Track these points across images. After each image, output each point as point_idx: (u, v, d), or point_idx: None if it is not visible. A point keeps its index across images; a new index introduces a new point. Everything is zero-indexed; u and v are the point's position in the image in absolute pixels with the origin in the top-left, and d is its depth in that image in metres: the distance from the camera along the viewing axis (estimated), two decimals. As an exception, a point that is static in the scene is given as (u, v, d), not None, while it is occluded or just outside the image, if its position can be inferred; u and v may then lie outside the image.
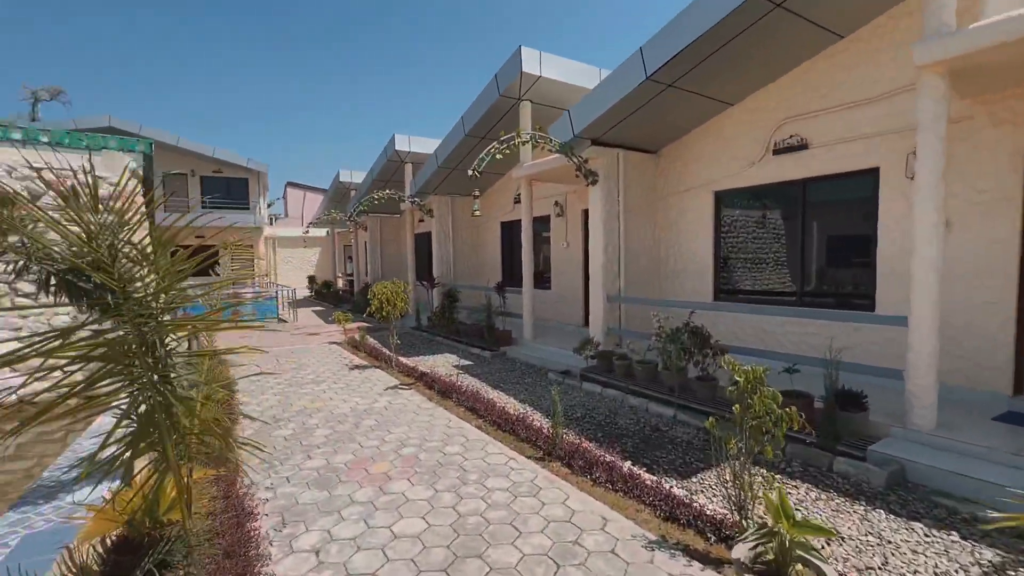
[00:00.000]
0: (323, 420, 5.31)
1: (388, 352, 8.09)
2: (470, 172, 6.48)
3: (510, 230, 12.56)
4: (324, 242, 27.42)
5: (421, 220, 15.66)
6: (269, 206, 35.92)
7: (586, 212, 9.48)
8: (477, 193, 6.87)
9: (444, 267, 12.95)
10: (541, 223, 10.70)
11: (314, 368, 7.99)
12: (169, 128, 21.34)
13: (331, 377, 7.36)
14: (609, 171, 7.21)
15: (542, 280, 10.88)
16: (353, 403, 5.93)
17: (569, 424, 4.95)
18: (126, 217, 2.33)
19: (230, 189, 24.47)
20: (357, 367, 8.07)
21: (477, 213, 6.98)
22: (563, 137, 6.91)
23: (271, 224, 31.68)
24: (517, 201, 11.70)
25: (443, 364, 8.21)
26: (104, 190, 5.54)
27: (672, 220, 7.80)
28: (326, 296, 20.03)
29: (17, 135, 7.13)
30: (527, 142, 6.63)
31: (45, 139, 7.27)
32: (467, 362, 8.33)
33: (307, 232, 15.33)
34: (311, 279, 22.95)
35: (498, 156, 6.42)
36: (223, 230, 23.70)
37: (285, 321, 14.60)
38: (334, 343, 10.50)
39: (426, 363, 8.25)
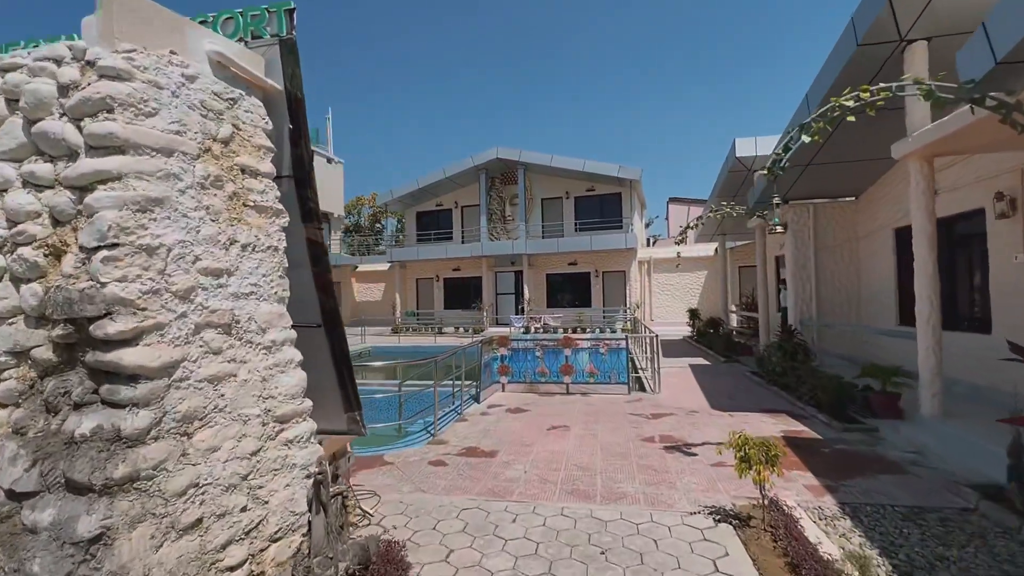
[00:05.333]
0: None
1: None
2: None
3: None
4: (711, 263, 20.71)
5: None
6: (647, 225, 32.26)
7: None
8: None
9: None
10: None
11: None
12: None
13: None
14: None
15: None
16: None
17: None
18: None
19: (603, 207, 21.33)
20: None
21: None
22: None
23: (650, 245, 27.55)
24: None
25: None
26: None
27: None
28: (712, 340, 13.22)
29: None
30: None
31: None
32: None
33: (681, 240, 9.21)
34: (692, 313, 16.70)
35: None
36: (593, 253, 20.77)
37: (643, 392, 8.69)
38: (723, 518, 3.64)
39: None
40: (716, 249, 20.00)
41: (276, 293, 3.15)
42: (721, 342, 12.53)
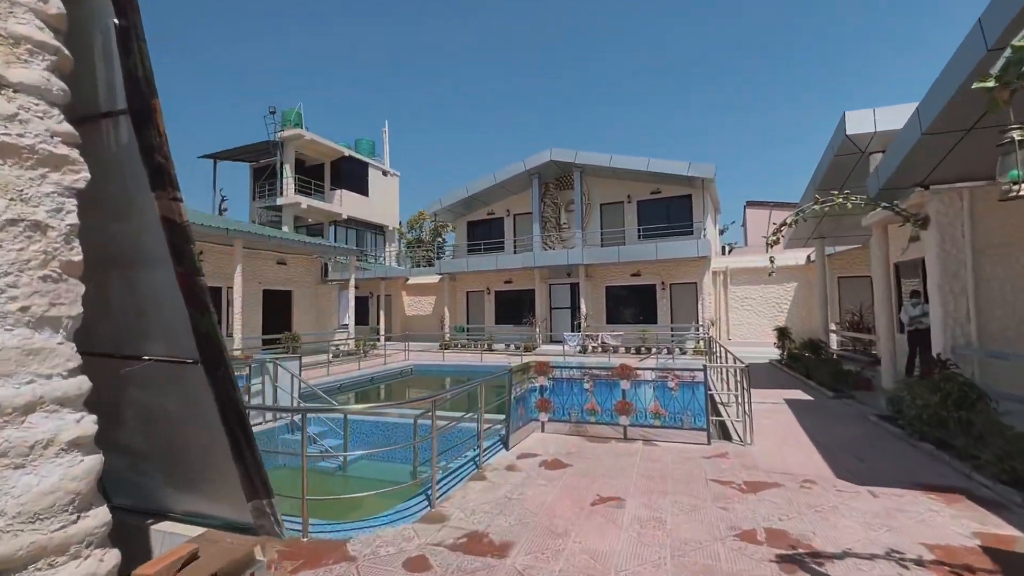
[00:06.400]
0: None
1: None
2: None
3: None
4: (802, 273, 17.73)
5: None
6: (721, 232, 29.17)
7: None
8: None
9: None
10: None
11: None
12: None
13: None
14: None
15: None
16: None
17: None
18: None
19: (669, 211, 19.08)
20: None
21: None
22: None
23: (725, 254, 24.64)
24: None
25: None
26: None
27: None
28: (811, 367, 10.66)
29: None
30: None
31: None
32: None
33: (775, 241, 6.97)
34: (781, 333, 14.00)
35: None
36: (657, 263, 18.43)
37: (728, 442, 6.62)
38: None
39: None
40: (809, 256, 17.12)
41: (28, 311, 1.65)
42: (825, 370, 9.97)
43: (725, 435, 6.68)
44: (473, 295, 23.17)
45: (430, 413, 7.04)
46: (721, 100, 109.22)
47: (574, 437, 6.59)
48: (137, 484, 3.04)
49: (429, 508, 4.24)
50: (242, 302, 14.06)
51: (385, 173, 30.48)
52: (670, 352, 15.98)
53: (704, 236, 17.70)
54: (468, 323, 22.97)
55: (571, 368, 7.03)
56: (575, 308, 19.93)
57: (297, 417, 7.93)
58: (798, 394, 9.30)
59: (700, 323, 17.65)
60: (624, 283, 19.69)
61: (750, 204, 26.85)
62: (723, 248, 27.37)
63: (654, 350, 16.52)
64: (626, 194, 19.79)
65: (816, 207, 7.55)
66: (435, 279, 24.63)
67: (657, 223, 19.17)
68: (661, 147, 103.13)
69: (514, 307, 21.88)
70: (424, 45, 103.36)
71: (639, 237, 19.43)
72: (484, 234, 23.36)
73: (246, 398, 7.70)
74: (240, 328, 13.73)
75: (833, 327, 14.40)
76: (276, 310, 17.41)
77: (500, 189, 21.45)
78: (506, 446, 6.08)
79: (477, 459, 5.46)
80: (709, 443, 6.10)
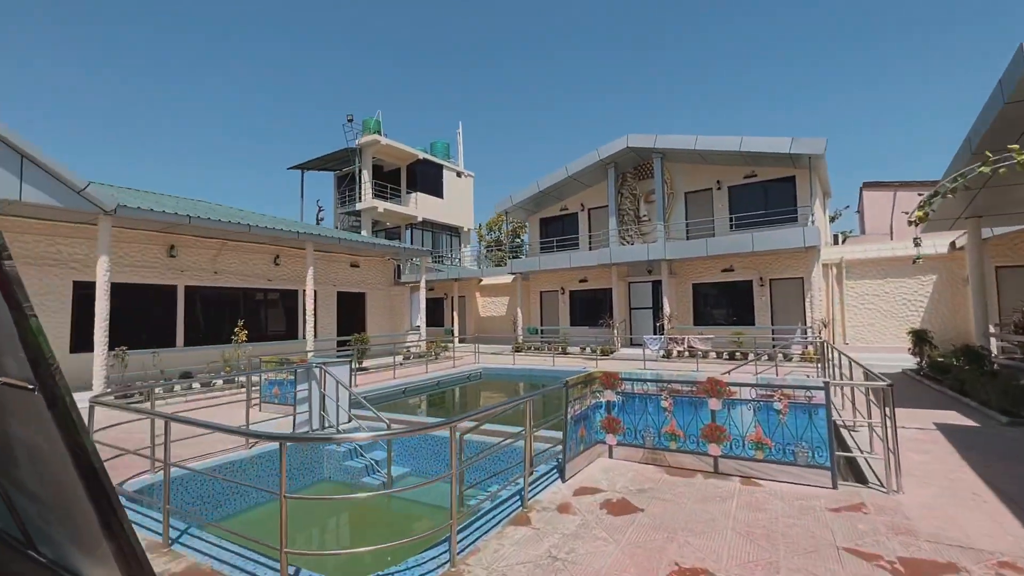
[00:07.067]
0: None
1: None
2: None
3: None
4: (944, 264, 14.57)
5: None
6: (832, 220, 25.46)
7: None
8: None
9: None
10: None
11: None
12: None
13: None
14: None
15: None
16: None
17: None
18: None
19: (767, 196, 16.75)
20: None
21: None
22: None
23: (838, 244, 21.33)
24: None
25: None
26: None
27: None
28: (964, 378, 8.34)
29: None
30: None
31: None
32: None
33: (922, 216, 5.13)
34: (918, 337, 11.38)
35: None
36: (753, 256, 16.08)
37: (861, 486, 5.00)
38: None
39: None
40: (954, 243, 14.03)
41: None
42: (991, 386, 7.67)
43: (856, 475, 5.05)
44: (547, 295, 22.14)
45: (477, 429, 6.08)
46: (830, 68, 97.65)
47: (649, 467, 5.32)
48: (50, 536, 2.39)
49: (448, 566, 3.29)
50: (315, 304, 14.22)
51: (459, 174, 30.45)
52: (771, 359, 13.80)
53: (811, 223, 15.17)
54: (542, 324, 21.98)
55: (645, 381, 5.74)
56: (657, 308, 18.16)
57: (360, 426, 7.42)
58: (953, 417, 7.19)
59: (808, 325, 15.15)
60: (714, 280, 17.57)
61: (867, 186, 23.07)
62: (835, 237, 23.87)
63: (751, 355, 14.40)
64: (715, 180, 17.66)
65: (985, 169, 5.58)
66: (508, 279, 23.93)
67: (753, 211, 16.86)
68: (757, 126, 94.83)
69: (590, 307, 20.52)
70: (508, 36, 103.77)
71: (731, 227, 17.23)
72: (557, 231, 22.25)
73: (291, 406, 7.30)
74: (312, 329, 13.86)
75: (992, 329, 11.48)
76: (350, 311, 17.63)
77: (573, 182, 20.22)
78: (562, 476, 4.98)
79: (522, 493, 4.43)
80: (835, 487, 4.55)
